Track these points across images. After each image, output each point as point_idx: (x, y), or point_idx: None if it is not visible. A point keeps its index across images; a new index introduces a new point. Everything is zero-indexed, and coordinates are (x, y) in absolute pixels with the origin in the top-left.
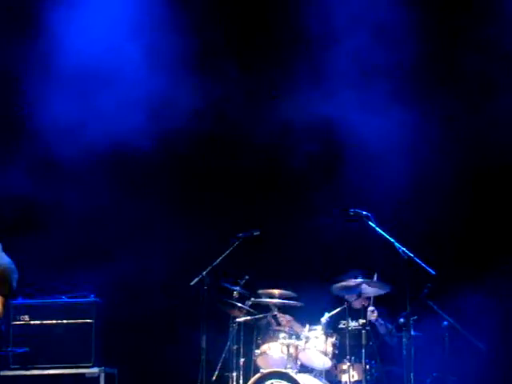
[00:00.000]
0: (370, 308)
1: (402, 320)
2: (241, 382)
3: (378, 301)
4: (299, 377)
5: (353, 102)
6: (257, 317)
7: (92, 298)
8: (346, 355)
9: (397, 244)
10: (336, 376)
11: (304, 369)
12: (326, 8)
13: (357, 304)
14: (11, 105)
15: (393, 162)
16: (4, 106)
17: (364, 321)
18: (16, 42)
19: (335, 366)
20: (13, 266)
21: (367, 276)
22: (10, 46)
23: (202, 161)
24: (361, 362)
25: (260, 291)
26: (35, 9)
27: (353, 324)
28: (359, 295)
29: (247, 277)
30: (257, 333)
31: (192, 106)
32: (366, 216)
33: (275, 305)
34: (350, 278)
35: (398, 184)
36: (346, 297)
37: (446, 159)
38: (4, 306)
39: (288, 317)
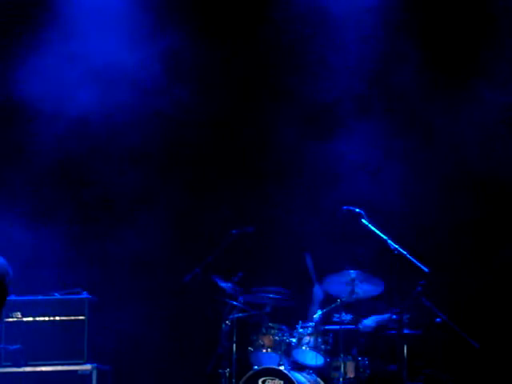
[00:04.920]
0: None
1: (395, 317)
2: (234, 379)
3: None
4: (292, 374)
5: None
6: (250, 314)
7: (85, 295)
8: (339, 352)
9: (390, 241)
10: (329, 373)
11: (297, 366)
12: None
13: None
14: None
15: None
16: None
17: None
18: None
19: (328, 363)
20: (6, 270)
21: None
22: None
23: (196, 157)
24: (353, 359)
25: (253, 288)
26: None
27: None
28: (352, 292)
29: (241, 274)
30: (250, 330)
31: (193, 101)
32: (358, 213)
33: (268, 302)
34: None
35: (391, 183)
36: (338, 292)
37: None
38: None
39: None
